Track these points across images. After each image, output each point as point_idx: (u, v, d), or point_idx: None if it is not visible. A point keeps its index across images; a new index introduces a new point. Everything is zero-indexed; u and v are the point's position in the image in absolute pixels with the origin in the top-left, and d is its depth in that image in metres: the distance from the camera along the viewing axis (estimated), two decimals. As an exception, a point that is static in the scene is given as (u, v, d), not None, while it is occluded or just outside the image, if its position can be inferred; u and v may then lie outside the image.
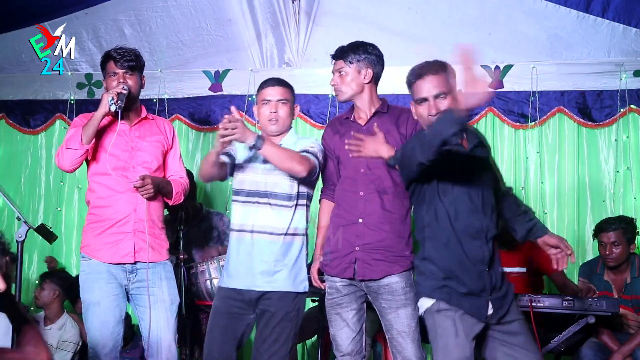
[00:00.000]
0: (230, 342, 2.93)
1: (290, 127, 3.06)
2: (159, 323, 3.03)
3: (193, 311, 3.85)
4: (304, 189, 2.97)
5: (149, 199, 3.06)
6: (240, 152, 3.01)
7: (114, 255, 3.02)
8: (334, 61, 2.99)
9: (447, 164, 2.52)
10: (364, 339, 2.92)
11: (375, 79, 3.01)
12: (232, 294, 2.94)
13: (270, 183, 2.94)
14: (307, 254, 3.02)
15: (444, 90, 2.57)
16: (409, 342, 2.77)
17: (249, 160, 3.00)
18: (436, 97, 2.57)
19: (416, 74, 2.63)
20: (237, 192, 3.01)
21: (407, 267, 2.84)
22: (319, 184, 3.12)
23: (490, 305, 2.57)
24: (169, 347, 3.03)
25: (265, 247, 2.90)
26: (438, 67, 2.60)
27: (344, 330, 2.86)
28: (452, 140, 2.33)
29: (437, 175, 2.58)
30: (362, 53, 2.95)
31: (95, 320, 2.98)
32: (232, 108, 2.80)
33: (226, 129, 2.69)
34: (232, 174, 3.02)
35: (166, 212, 3.66)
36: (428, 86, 2.59)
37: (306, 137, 3.22)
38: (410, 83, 2.67)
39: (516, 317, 2.64)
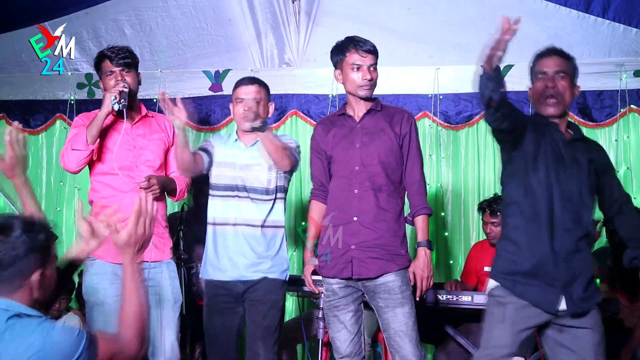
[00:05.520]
0: (229, 339, 3.05)
1: None
2: (162, 322, 3.03)
3: (193, 311, 3.84)
4: (281, 183, 3.10)
5: (155, 198, 3.06)
6: (218, 148, 3.12)
7: (118, 254, 3.00)
8: (368, 55, 2.89)
9: (545, 146, 2.54)
10: (362, 340, 2.93)
11: None
12: (220, 290, 3.04)
13: (250, 178, 3.05)
14: (287, 245, 3.15)
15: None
16: (406, 341, 2.77)
17: (227, 156, 3.10)
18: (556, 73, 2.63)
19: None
20: (215, 187, 3.10)
21: (403, 265, 2.84)
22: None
23: (563, 299, 2.46)
24: (171, 346, 3.05)
25: (250, 239, 3.02)
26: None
27: (342, 333, 2.87)
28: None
29: (531, 153, 2.55)
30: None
31: (99, 320, 2.99)
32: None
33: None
34: (208, 170, 3.12)
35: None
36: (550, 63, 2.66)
37: (283, 135, 3.38)
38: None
39: (589, 325, 2.49)
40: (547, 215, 2.50)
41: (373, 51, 2.89)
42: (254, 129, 2.91)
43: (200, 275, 3.21)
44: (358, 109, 2.96)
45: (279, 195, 3.09)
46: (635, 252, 2.62)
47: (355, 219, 2.85)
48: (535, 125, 2.59)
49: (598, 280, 3.95)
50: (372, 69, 2.88)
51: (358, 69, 2.88)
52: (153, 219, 2.03)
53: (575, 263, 2.49)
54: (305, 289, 3.31)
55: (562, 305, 2.47)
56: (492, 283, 2.57)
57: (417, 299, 2.85)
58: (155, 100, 4.71)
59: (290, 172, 3.09)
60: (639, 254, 2.61)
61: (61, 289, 2.18)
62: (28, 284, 1.80)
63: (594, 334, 2.49)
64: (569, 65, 2.64)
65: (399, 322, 2.78)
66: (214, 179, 3.11)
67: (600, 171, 2.64)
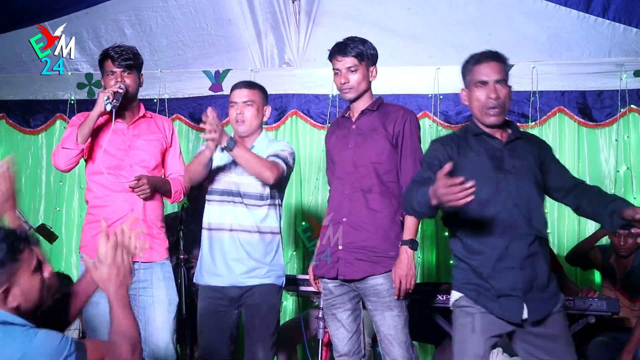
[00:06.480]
0: (222, 341, 3.03)
1: (261, 129, 3.12)
2: (157, 324, 3.02)
3: (193, 311, 3.84)
4: (275, 189, 3.06)
5: (146, 199, 3.04)
6: (215, 152, 3.06)
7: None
8: (344, 58, 2.84)
9: (477, 162, 2.47)
10: (362, 339, 2.92)
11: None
12: (216, 293, 3.02)
13: (244, 184, 3.02)
14: (282, 251, 3.11)
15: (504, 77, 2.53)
16: (395, 345, 2.76)
17: (223, 160, 3.06)
18: (497, 82, 2.51)
19: (475, 59, 2.58)
20: (211, 192, 3.07)
21: (392, 267, 2.78)
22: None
23: (525, 308, 2.42)
24: (166, 347, 3.03)
25: (246, 244, 2.99)
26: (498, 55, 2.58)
27: (340, 331, 2.87)
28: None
29: (467, 174, 2.37)
30: (370, 49, 2.89)
31: (94, 320, 2.97)
32: (209, 109, 2.78)
33: (210, 131, 2.74)
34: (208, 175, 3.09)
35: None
36: (488, 71, 2.53)
37: (278, 141, 3.32)
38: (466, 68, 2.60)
39: (558, 332, 2.47)
40: (497, 225, 2.44)
41: (352, 53, 2.83)
42: (222, 149, 2.86)
43: (194, 281, 3.18)
44: (355, 110, 2.94)
45: (274, 201, 3.06)
46: (607, 209, 2.42)
47: (344, 219, 2.84)
48: (458, 147, 2.53)
49: (599, 276, 3.97)
50: (351, 70, 2.84)
51: (337, 73, 2.88)
52: (131, 251, 2.03)
53: (530, 269, 2.45)
54: (303, 288, 3.33)
55: (525, 314, 2.43)
56: (455, 294, 2.54)
57: (396, 297, 2.76)
58: (155, 100, 4.72)
59: (276, 184, 2.99)
60: (614, 208, 2.39)
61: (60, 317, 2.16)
62: (9, 291, 1.79)
63: (561, 340, 2.46)
64: (506, 70, 2.56)
65: (388, 325, 2.76)
66: (210, 183, 3.09)
67: (547, 165, 2.57)
